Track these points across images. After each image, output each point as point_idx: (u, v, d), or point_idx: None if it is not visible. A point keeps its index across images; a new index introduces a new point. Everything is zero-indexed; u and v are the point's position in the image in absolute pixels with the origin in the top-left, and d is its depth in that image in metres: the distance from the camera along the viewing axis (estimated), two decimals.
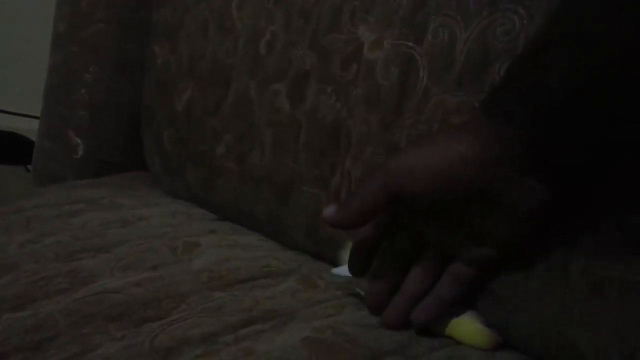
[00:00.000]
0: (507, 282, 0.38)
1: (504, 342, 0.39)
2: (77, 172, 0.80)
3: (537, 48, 0.32)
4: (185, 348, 0.37)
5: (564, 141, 0.31)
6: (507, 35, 0.38)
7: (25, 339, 0.38)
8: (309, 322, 0.40)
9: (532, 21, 0.38)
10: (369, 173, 0.44)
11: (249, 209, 0.61)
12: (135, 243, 0.54)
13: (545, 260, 0.36)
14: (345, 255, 0.42)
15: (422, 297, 0.39)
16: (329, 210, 0.38)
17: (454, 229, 0.37)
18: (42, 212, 0.63)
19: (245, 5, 0.63)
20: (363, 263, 0.41)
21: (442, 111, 0.42)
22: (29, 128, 0.98)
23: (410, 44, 0.45)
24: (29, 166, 0.96)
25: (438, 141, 0.36)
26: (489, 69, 0.39)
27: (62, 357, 0.37)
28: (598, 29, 0.28)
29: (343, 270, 0.43)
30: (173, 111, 0.71)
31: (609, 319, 0.33)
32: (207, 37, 0.67)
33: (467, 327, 0.39)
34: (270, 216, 0.58)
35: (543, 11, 0.37)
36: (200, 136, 0.67)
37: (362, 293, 0.43)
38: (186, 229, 0.58)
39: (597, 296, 0.33)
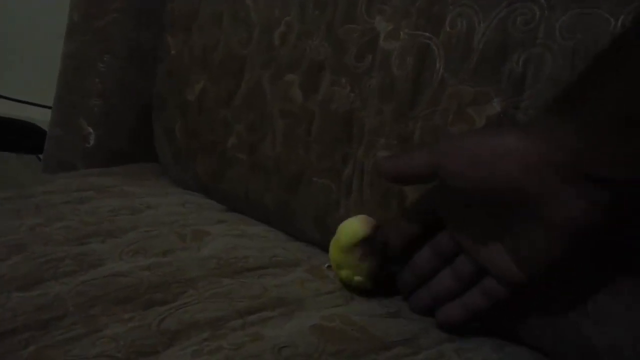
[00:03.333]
0: None
1: (514, 336, 0.38)
2: (87, 161, 0.80)
3: (621, 55, 0.28)
4: (193, 331, 0.37)
5: (629, 155, 0.28)
6: (527, 25, 0.38)
7: (33, 318, 0.38)
8: (318, 311, 0.40)
9: (552, 12, 0.37)
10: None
11: (258, 198, 0.60)
12: (144, 229, 0.53)
13: None
14: None
15: (448, 298, 0.39)
16: (385, 155, 0.40)
17: (489, 240, 0.35)
18: (51, 198, 0.63)
19: None
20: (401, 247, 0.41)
21: (457, 102, 0.41)
22: (43, 119, 0.98)
23: (427, 34, 0.44)
24: (40, 155, 0.97)
25: (487, 131, 0.35)
26: (508, 59, 0.39)
27: (69, 337, 0.36)
28: None
29: None
30: (185, 102, 0.71)
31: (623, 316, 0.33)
32: (221, 27, 0.67)
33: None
34: (279, 206, 0.58)
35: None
36: (211, 127, 0.67)
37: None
38: (195, 218, 0.58)
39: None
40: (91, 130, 0.80)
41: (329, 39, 0.53)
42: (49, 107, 0.84)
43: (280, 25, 0.59)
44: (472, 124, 0.40)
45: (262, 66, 0.60)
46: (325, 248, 0.53)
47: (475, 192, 0.34)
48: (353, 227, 0.43)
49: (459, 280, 0.38)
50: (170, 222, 0.56)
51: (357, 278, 0.43)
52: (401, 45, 0.46)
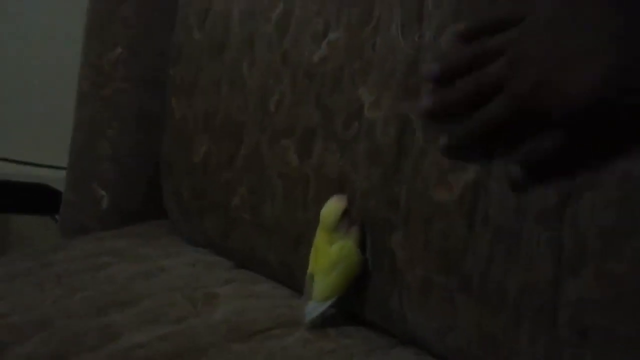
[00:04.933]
0: (500, 324, 0.41)
1: None
2: (102, 223, 0.84)
3: None
4: None
5: None
6: None
7: None
8: None
9: None
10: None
11: (263, 257, 0.64)
12: (159, 296, 0.57)
13: (535, 309, 0.39)
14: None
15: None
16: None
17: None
18: (70, 266, 0.67)
19: (255, 65, 0.67)
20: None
21: (438, 170, 0.45)
22: (55, 177, 1.03)
23: (406, 105, 0.48)
24: (56, 215, 1.01)
25: None
26: None
27: None
28: None
29: (312, 307, 0.50)
30: (190, 163, 0.75)
31: None
32: (220, 94, 0.71)
33: None
34: (282, 264, 0.61)
35: None
36: (216, 187, 0.71)
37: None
38: (205, 279, 0.62)
39: (583, 339, 0.36)
40: (104, 193, 0.84)
41: (318, 107, 0.57)
42: (62, 168, 0.88)
43: (274, 93, 0.63)
44: (452, 190, 0.44)
45: (260, 131, 0.65)
46: None
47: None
48: (333, 206, 0.51)
49: (479, 87, 0.29)
50: (182, 286, 0.59)
51: (348, 244, 0.50)
52: (384, 114, 0.50)
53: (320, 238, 0.51)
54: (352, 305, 0.53)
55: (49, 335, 0.51)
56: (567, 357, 0.37)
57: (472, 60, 0.31)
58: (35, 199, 1.06)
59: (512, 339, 0.39)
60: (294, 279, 0.60)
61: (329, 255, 0.49)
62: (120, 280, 0.62)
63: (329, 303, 0.50)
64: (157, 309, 0.54)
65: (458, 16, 0.44)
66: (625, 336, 0.34)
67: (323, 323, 0.51)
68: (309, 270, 0.51)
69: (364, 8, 0.53)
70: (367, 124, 0.52)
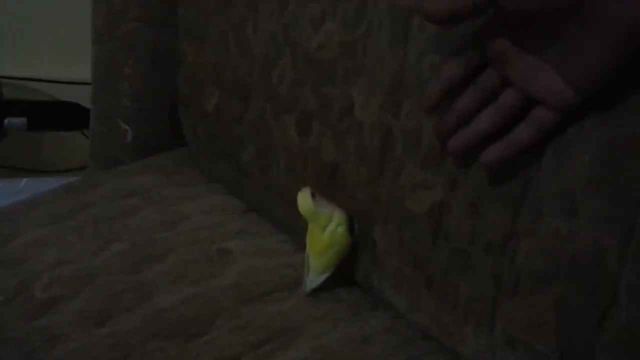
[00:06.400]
0: (452, 319, 0.50)
1: None
2: (129, 153, 0.93)
3: None
4: None
5: None
6: None
7: (106, 357, 0.54)
8: (310, 341, 0.54)
9: None
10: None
11: (270, 210, 0.73)
12: (181, 251, 0.68)
13: (478, 315, 0.48)
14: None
15: (492, 135, 0.39)
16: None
17: (538, 65, 0.35)
18: (105, 209, 0.77)
19: (258, 30, 0.70)
20: (439, 95, 0.41)
21: (411, 183, 0.52)
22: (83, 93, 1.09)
23: (389, 116, 0.54)
24: (85, 130, 1.10)
25: None
26: (448, 156, 0.49)
27: None
28: None
29: (311, 280, 0.59)
30: (204, 111, 0.82)
31: None
32: (228, 49, 0.76)
33: None
34: (288, 220, 0.70)
35: None
36: (228, 139, 0.78)
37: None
38: (219, 232, 0.72)
39: (511, 347, 0.45)
40: (127, 127, 0.92)
41: (316, 92, 0.62)
42: (88, 84, 0.95)
43: (277, 66, 0.68)
44: (421, 205, 0.51)
45: (265, 99, 0.70)
46: None
47: (532, 12, 0.32)
48: (301, 200, 0.58)
49: (503, 115, 0.38)
50: (200, 239, 0.70)
51: (340, 229, 0.58)
52: (370, 120, 0.56)
53: (311, 227, 0.59)
54: (345, 268, 0.62)
55: (93, 291, 0.62)
56: (499, 357, 0.46)
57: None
58: (65, 116, 1.14)
59: (461, 332, 0.49)
60: (298, 233, 0.69)
61: (322, 241, 0.58)
62: (148, 230, 0.72)
63: (325, 276, 0.60)
64: (181, 266, 0.65)
65: (438, 45, 0.48)
66: (541, 351, 0.43)
67: (320, 287, 0.61)
68: (307, 250, 0.60)
69: (358, 7, 0.56)
70: (357, 123, 0.57)
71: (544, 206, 0.42)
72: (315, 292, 0.61)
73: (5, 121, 1.08)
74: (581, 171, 0.40)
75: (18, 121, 1.09)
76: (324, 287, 0.61)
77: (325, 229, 0.58)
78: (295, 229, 0.69)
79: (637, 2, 0.29)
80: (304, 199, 0.58)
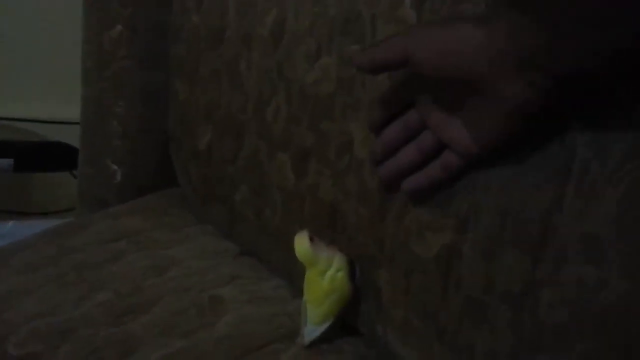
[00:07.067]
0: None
1: None
2: (118, 195, 0.89)
3: None
4: None
5: (576, 43, 0.32)
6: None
7: None
8: None
9: None
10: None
11: (267, 255, 0.69)
12: (169, 299, 0.63)
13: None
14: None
15: (411, 168, 0.45)
16: (357, 48, 0.47)
17: (451, 117, 0.41)
18: (89, 255, 0.72)
19: (252, 67, 0.67)
20: (380, 123, 0.47)
21: (417, 225, 0.48)
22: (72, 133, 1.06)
23: None
24: (74, 171, 1.06)
25: (456, 23, 0.38)
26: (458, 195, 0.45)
27: None
28: None
29: (310, 330, 0.54)
30: (196, 150, 0.78)
31: None
32: (220, 87, 0.72)
33: None
34: (284, 266, 0.66)
35: None
36: (220, 179, 0.74)
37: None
38: (211, 276, 0.67)
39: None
40: (116, 168, 0.88)
41: (312, 129, 0.59)
42: (76, 123, 0.91)
43: (271, 102, 0.64)
44: (429, 248, 0.47)
45: (259, 137, 0.67)
46: None
47: (443, 77, 0.39)
48: (299, 244, 0.55)
49: (421, 152, 0.44)
50: (190, 286, 0.65)
51: (340, 275, 0.54)
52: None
53: (309, 272, 0.55)
54: (347, 317, 0.57)
55: (74, 346, 0.57)
56: None
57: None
58: (54, 156, 1.10)
59: None
60: (295, 278, 0.65)
61: (322, 287, 0.54)
62: (135, 277, 0.68)
63: (325, 326, 0.55)
64: (169, 317, 0.60)
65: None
66: None
67: (320, 338, 0.56)
68: (304, 298, 0.56)
69: (355, 39, 0.53)
70: (357, 160, 0.53)
71: (568, 251, 0.38)
72: (315, 343, 0.56)
73: None
74: (608, 212, 0.36)
75: (4, 162, 1.06)
76: (324, 337, 0.56)
77: (325, 274, 0.54)
78: (292, 274, 0.65)
79: (521, 83, 0.35)
80: (302, 243, 0.55)
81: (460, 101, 0.39)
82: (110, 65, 0.85)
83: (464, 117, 0.40)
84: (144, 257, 0.72)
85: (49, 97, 1.16)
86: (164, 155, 0.88)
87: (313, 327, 0.55)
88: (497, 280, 0.42)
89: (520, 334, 0.41)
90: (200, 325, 0.59)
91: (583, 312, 0.37)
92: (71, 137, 1.04)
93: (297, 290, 0.65)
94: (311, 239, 0.54)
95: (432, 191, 0.46)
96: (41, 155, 1.10)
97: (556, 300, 0.38)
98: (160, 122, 0.86)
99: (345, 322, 0.57)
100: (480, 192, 0.43)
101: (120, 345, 0.57)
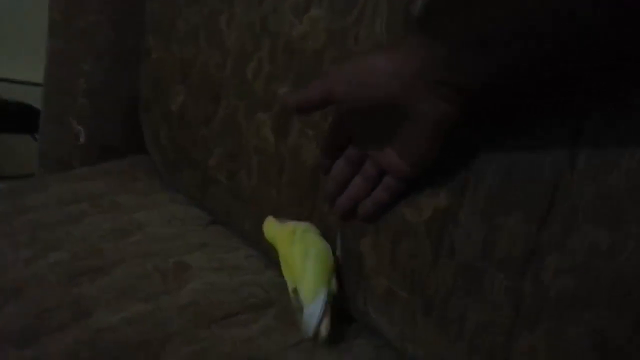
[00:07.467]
0: (455, 352, 0.42)
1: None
2: (81, 157, 0.83)
3: None
4: None
5: (468, 61, 0.35)
6: None
7: None
8: None
9: None
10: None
11: (239, 221, 0.64)
12: (131, 263, 0.58)
13: (489, 348, 0.40)
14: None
15: (362, 196, 0.47)
16: (286, 91, 0.51)
17: (383, 145, 0.43)
18: (46, 215, 0.67)
19: (233, 23, 0.63)
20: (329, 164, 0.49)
21: (407, 189, 0.44)
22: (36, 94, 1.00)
23: None
24: (36, 134, 0.99)
25: (368, 55, 0.41)
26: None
27: None
28: None
29: (309, 314, 0.47)
30: (168, 111, 0.73)
31: None
32: (198, 44, 0.68)
33: None
34: (257, 233, 0.61)
35: None
36: (193, 142, 0.69)
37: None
38: (178, 243, 0.62)
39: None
40: (81, 128, 0.82)
41: (297, 87, 0.54)
42: (40, 85, 0.85)
43: (253, 59, 0.60)
44: (419, 212, 0.43)
45: (237, 97, 0.62)
46: None
47: (365, 107, 0.40)
48: (266, 226, 0.55)
49: (368, 181, 0.46)
50: (154, 252, 0.60)
51: (300, 226, 0.52)
52: None
53: (281, 249, 0.52)
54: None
55: (21, 307, 0.52)
56: None
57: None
58: (14, 117, 1.04)
59: None
60: (268, 248, 0.60)
61: (297, 252, 0.50)
62: (94, 239, 0.62)
63: (320, 301, 0.48)
64: (129, 281, 0.55)
65: None
66: None
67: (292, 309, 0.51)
68: (291, 287, 0.51)
69: None
70: None
71: (579, 214, 0.34)
72: (287, 313, 0.52)
73: None
74: (628, 169, 0.33)
75: None
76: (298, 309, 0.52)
77: (294, 238, 0.50)
78: (264, 244, 0.61)
79: (434, 99, 0.37)
80: (269, 224, 0.55)
81: (391, 128, 0.41)
82: (80, 17, 0.79)
83: (395, 142, 0.42)
84: (106, 220, 0.67)
85: (12, 56, 1.10)
86: (132, 119, 0.82)
87: (309, 308, 0.48)
88: (497, 245, 0.38)
89: (518, 303, 0.37)
90: (164, 290, 0.54)
91: (593, 280, 0.34)
92: (34, 99, 0.98)
93: (270, 261, 0.61)
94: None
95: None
96: (1, 116, 1.03)
97: (563, 266, 0.35)
98: (129, 83, 0.81)
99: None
100: (483, 154, 0.40)
101: (74, 307, 0.51)
